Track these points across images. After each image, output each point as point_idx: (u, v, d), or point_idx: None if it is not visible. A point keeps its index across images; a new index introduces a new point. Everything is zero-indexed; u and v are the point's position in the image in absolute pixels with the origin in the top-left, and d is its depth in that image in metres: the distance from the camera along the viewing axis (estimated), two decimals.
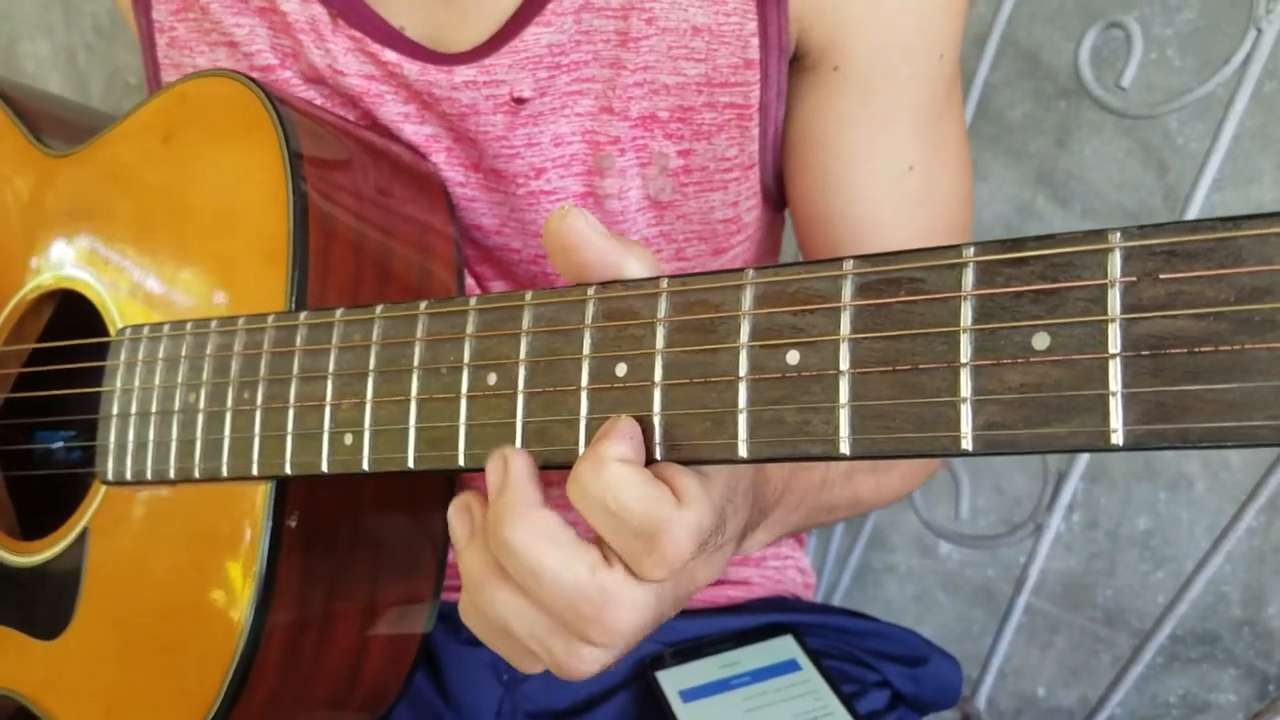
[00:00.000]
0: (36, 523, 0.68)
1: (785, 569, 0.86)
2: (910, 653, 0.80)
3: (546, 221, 0.40)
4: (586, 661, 0.40)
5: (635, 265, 0.40)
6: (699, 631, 0.77)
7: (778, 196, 0.72)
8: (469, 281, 0.73)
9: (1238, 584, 1.05)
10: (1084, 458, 0.86)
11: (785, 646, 0.75)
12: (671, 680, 0.73)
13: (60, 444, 0.75)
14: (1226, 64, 0.78)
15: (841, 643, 0.78)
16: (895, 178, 0.66)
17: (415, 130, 0.68)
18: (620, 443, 0.38)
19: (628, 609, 0.38)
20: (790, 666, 0.74)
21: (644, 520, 0.37)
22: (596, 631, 0.38)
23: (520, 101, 0.64)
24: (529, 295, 0.42)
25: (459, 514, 0.42)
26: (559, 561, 0.38)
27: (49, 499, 0.71)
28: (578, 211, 0.40)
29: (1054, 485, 0.87)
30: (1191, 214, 0.80)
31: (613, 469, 0.37)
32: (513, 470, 0.39)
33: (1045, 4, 1.05)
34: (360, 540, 0.59)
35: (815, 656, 0.74)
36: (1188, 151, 1.02)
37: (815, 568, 1.05)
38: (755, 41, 0.63)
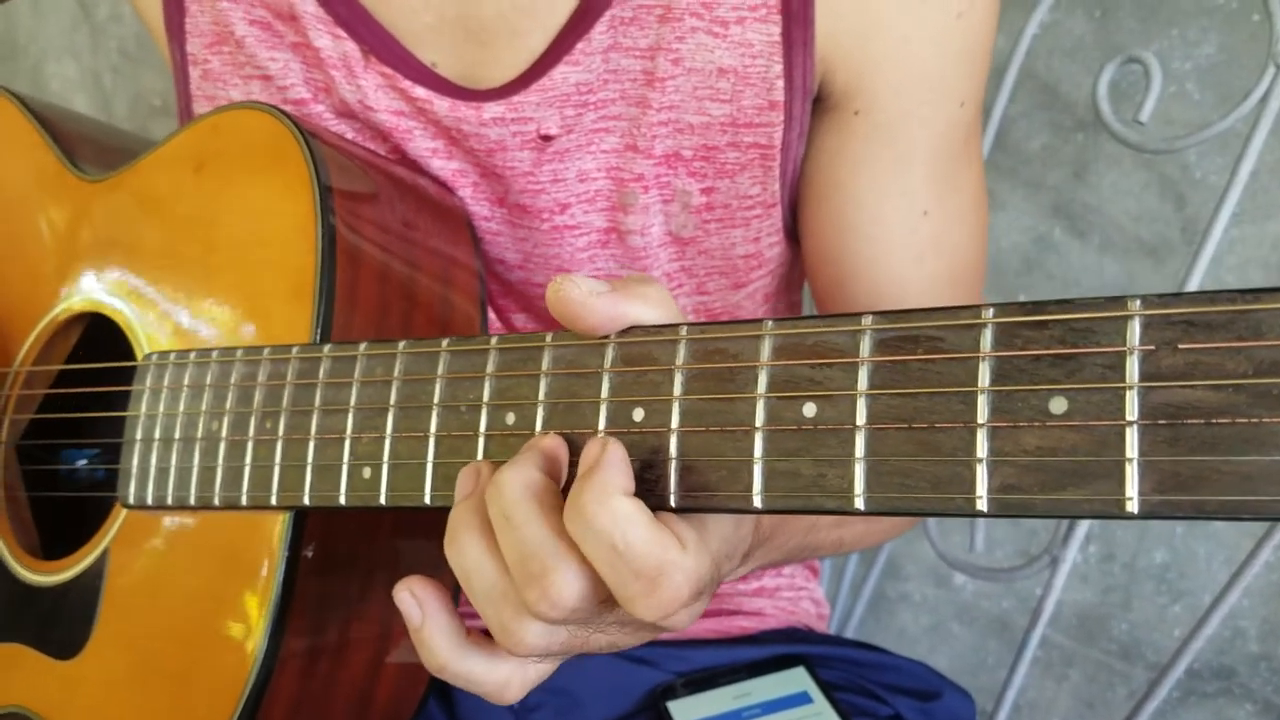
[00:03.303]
0: (61, 542, 0.68)
1: (799, 600, 0.86)
2: (923, 686, 0.79)
3: (546, 297, 0.40)
4: (530, 634, 0.40)
5: (644, 310, 0.41)
6: (711, 662, 0.77)
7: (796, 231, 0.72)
8: (491, 315, 0.74)
9: (1255, 618, 1.04)
10: None
11: (797, 678, 0.75)
12: (683, 711, 0.73)
13: (84, 461, 0.75)
14: (1245, 99, 0.78)
15: (854, 675, 0.78)
16: (909, 222, 0.66)
17: (443, 165, 0.68)
18: (620, 473, 0.38)
19: (571, 577, 0.38)
20: (802, 699, 0.74)
21: (647, 562, 0.37)
22: (537, 594, 0.38)
23: (547, 139, 0.65)
24: (549, 337, 0.42)
25: (468, 473, 0.43)
26: (532, 513, 0.39)
27: (74, 519, 0.71)
28: (570, 281, 0.40)
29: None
30: (1209, 248, 0.80)
31: (620, 504, 0.37)
32: (545, 443, 0.41)
33: (1064, 38, 1.06)
34: (376, 571, 0.59)
35: (827, 689, 0.74)
36: (1206, 185, 1.02)
37: (829, 597, 1.05)
38: (780, 84, 0.63)
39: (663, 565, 0.37)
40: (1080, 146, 1.08)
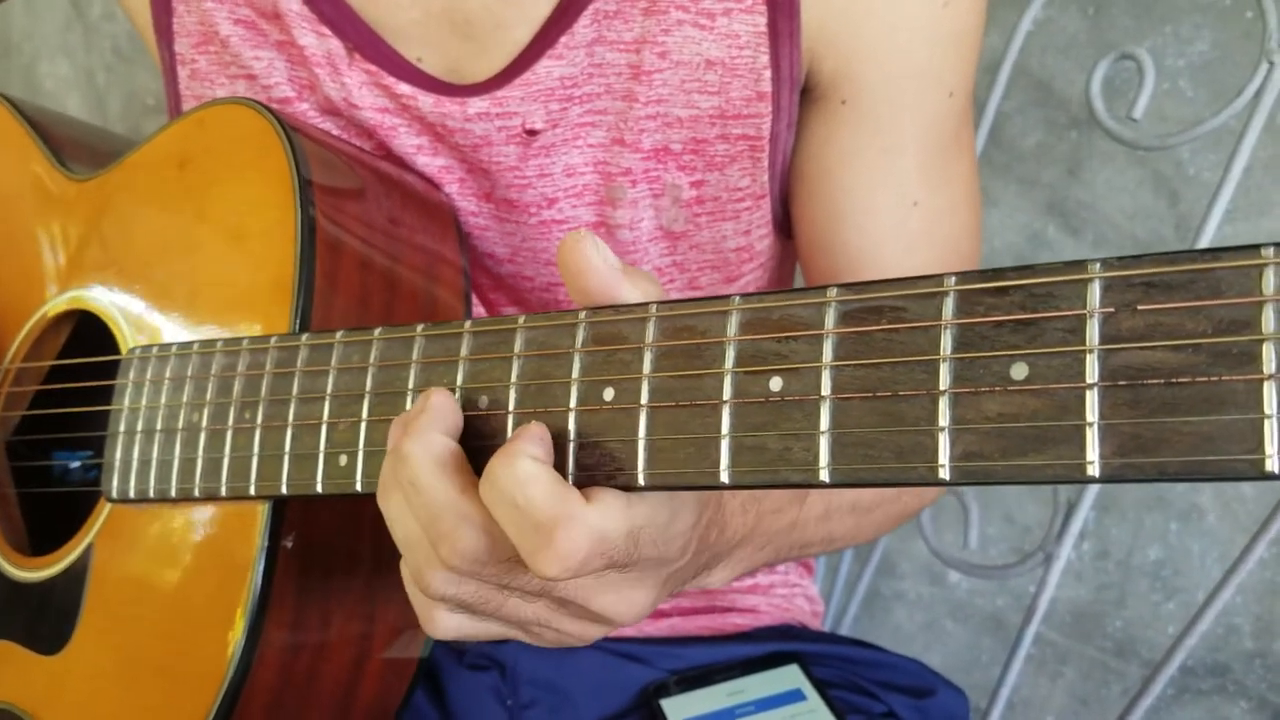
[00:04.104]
0: (53, 539, 0.68)
1: (793, 597, 0.85)
2: (917, 684, 0.79)
3: (560, 244, 0.41)
4: (437, 582, 0.43)
5: (631, 292, 0.41)
6: (704, 659, 0.77)
7: (787, 223, 0.72)
8: (481, 310, 0.74)
9: (1249, 616, 1.04)
10: (1094, 486, 0.86)
11: (791, 676, 0.75)
12: (676, 708, 0.72)
13: (78, 463, 0.75)
14: (1239, 95, 0.78)
15: (848, 673, 0.78)
16: (899, 212, 0.66)
17: (428, 161, 0.68)
18: (531, 443, 0.39)
19: (474, 533, 0.40)
20: (795, 696, 0.73)
21: (545, 514, 0.38)
22: (447, 550, 0.41)
23: (532, 133, 0.65)
24: (521, 319, 0.42)
25: (398, 426, 0.44)
26: (435, 477, 0.41)
27: (65, 515, 0.71)
28: (591, 239, 0.40)
29: (1064, 514, 0.86)
30: (1203, 245, 0.80)
31: (524, 464, 0.38)
32: (432, 400, 0.42)
33: (1058, 34, 1.06)
34: (357, 562, 0.59)
35: (821, 686, 0.74)
36: (1200, 182, 1.02)
37: (824, 594, 1.05)
38: (768, 74, 0.63)
39: (558, 518, 0.38)
40: (1074, 144, 1.08)
